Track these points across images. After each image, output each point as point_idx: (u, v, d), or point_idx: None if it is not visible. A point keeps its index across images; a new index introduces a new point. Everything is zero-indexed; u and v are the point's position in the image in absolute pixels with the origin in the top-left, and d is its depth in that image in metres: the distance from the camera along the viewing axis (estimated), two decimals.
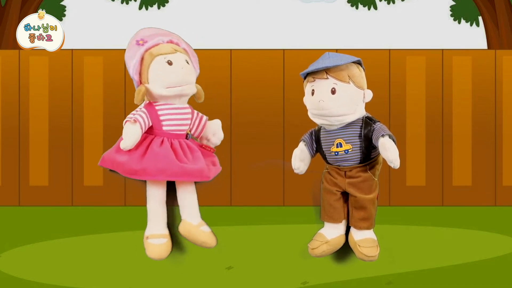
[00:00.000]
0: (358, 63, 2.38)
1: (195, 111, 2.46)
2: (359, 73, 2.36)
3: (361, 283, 2.65)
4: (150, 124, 2.34)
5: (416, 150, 4.36)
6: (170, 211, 2.48)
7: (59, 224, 3.65)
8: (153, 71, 2.32)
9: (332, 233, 2.41)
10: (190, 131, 2.42)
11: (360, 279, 2.64)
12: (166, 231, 2.42)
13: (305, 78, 2.40)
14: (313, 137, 2.44)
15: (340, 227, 2.42)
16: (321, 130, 2.40)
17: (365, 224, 2.38)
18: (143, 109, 2.34)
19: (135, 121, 2.28)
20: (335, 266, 2.59)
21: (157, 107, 2.34)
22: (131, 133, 2.29)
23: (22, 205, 4.38)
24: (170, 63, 2.31)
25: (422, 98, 4.43)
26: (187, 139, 2.39)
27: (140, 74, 2.36)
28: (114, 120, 4.47)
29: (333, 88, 2.30)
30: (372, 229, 2.41)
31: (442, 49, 4.45)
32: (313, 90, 2.33)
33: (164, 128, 2.34)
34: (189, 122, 2.40)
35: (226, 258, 2.63)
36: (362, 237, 2.38)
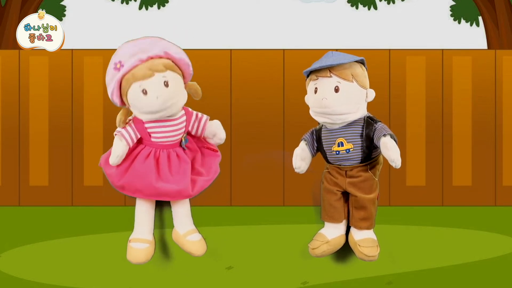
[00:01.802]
0: (362, 62, 2.39)
1: (194, 113, 2.42)
2: (362, 72, 2.36)
3: (361, 283, 2.65)
4: (139, 137, 2.32)
5: (416, 150, 4.36)
6: (160, 215, 2.47)
7: (59, 224, 3.64)
8: (130, 99, 2.30)
9: (332, 233, 2.41)
10: (189, 134, 2.38)
11: (360, 279, 2.64)
12: (150, 237, 2.40)
13: (307, 76, 2.40)
14: (314, 136, 2.43)
15: (341, 227, 2.41)
16: (323, 129, 2.39)
17: (365, 224, 2.37)
18: (131, 123, 2.34)
19: (122, 136, 2.29)
20: (335, 266, 2.59)
21: (146, 124, 2.32)
22: (116, 152, 2.30)
23: (22, 205, 4.38)
24: (145, 92, 2.25)
25: (422, 98, 4.43)
26: (181, 146, 2.35)
27: (121, 97, 2.35)
28: (114, 120, 4.46)
29: (337, 86, 2.30)
30: (372, 229, 2.40)
31: (442, 49, 4.45)
32: (316, 88, 2.32)
33: (153, 139, 2.32)
34: (182, 131, 2.36)
35: (226, 258, 2.63)
36: (362, 237, 2.38)
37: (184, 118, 2.37)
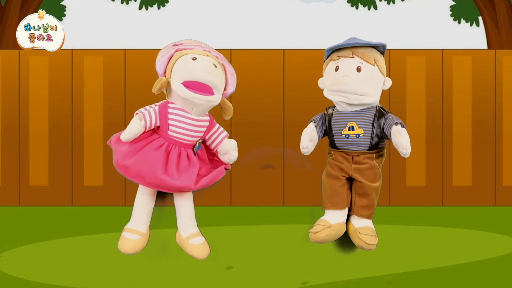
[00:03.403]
0: (382, 51, 2.43)
1: (217, 125, 2.42)
2: (382, 59, 2.41)
3: (361, 283, 2.65)
4: (158, 124, 2.32)
5: (416, 150, 4.36)
6: (159, 210, 2.47)
7: (59, 224, 3.65)
8: (176, 66, 2.32)
9: (334, 219, 2.40)
10: (202, 143, 2.38)
11: (360, 279, 2.65)
12: (143, 229, 2.40)
13: (327, 57, 2.43)
14: (324, 120, 2.44)
15: (343, 214, 2.41)
16: (334, 112, 2.41)
17: (366, 212, 2.38)
18: (155, 108, 2.33)
19: (143, 116, 2.29)
20: (335, 266, 2.59)
21: (169, 110, 2.32)
22: (131, 128, 2.29)
23: (22, 205, 4.38)
24: (194, 58, 2.31)
25: (422, 98, 4.43)
26: (193, 150, 2.35)
27: (165, 70, 2.35)
28: (114, 120, 4.47)
29: (359, 66, 2.35)
30: (371, 220, 2.40)
31: (442, 49, 4.45)
32: (337, 66, 2.36)
33: (170, 132, 2.31)
34: (201, 134, 2.37)
35: (226, 258, 2.63)
36: (362, 225, 2.38)
37: (207, 124, 2.38)
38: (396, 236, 2.77)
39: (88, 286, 2.68)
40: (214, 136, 2.42)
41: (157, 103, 2.37)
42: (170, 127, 2.34)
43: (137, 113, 2.32)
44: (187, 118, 2.35)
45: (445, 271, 2.78)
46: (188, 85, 2.30)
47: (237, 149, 2.44)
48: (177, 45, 2.38)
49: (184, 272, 2.59)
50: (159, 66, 2.39)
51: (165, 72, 2.38)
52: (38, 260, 2.87)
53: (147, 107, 2.34)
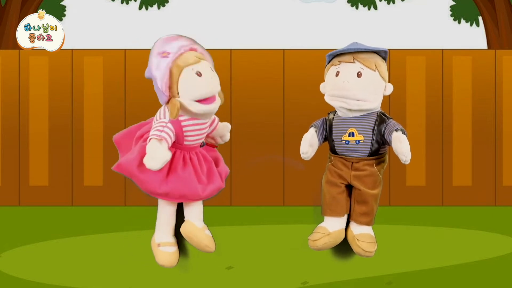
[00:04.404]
0: (384, 56, 2.42)
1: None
2: (384, 65, 2.40)
3: (361, 283, 2.65)
4: (174, 140, 2.31)
5: (416, 150, 4.37)
6: (181, 217, 2.48)
7: (59, 224, 3.65)
8: (182, 84, 2.26)
9: (333, 226, 2.40)
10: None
11: (360, 279, 2.64)
12: (175, 239, 2.43)
13: (328, 62, 2.42)
14: (325, 125, 2.44)
15: (342, 221, 2.41)
16: (335, 118, 2.40)
17: (365, 219, 2.37)
18: (170, 126, 2.28)
19: (161, 139, 2.22)
20: (335, 266, 2.59)
21: (183, 123, 2.29)
22: (160, 155, 2.23)
23: (22, 205, 4.38)
24: (199, 74, 2.26)
25: (422, 98, 4.43)
26: (201, 147, 2.38)
27: (169, 87, 2.31)
28: (114, 120, 4.48)
29: (359, 72, 2.34)
30: (371, 226, 2.40)
31: (442, 49, 4.45)
32: (338, 71, 2.36)
33: (186, 142, 2.32)
34: (206, 134, 2.39)
35: (226, 258, 2.63)
36: (361, 232, 2.38)
37: (210, 121, 2.40)
38: (396, 236, 2.77)
39: (88, 286, 2.68)
40: (214, 124, 2.45)
41: (166, 120, 2.31)
42: (186, 138, 2.34)
43: (153, 138, 2.23)
44: (199, 124, 2.35)
45: (445, 271, 2.78)
46: (200, 101, 2.29)
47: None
48: (165, 56, 2.30)
49: (184, 271, 2.59)
50: (163, 86, 2.27)
51: (170, 90, 2.30)
52: (38, 260, 2.87)
53: (159, 128, 2.27)
